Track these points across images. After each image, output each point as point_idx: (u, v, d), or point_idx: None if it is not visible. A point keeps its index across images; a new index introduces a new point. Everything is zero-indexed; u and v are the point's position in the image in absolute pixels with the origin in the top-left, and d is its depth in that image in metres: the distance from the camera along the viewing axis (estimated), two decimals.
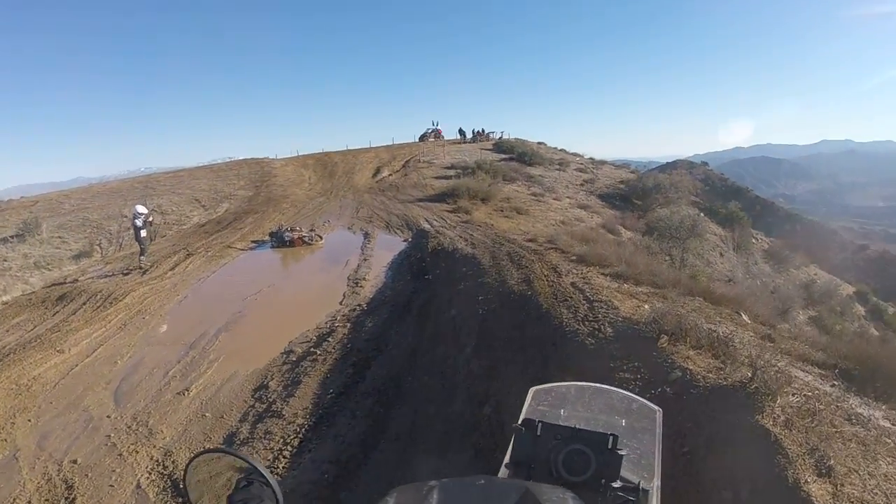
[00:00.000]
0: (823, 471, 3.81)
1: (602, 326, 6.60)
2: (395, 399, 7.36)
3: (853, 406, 4.78)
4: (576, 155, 45.56)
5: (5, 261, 24.69)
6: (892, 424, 4.58)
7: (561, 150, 47.43)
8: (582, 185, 33.18)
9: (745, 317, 8.08)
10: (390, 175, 35.16)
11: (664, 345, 5.73)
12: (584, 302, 7.63)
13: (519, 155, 38.72)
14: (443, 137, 53.31)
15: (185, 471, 1.81)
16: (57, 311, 13.80)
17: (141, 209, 18.01)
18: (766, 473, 3.89)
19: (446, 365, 7.75)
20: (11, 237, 27.51)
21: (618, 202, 30.68)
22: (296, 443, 6.78)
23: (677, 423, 4.42)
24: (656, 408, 1.93)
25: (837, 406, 4.68)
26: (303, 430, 7.06)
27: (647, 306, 7.16)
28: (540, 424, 1.88)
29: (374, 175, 35.94)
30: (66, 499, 6.44)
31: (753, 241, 31.35)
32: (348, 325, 10.51)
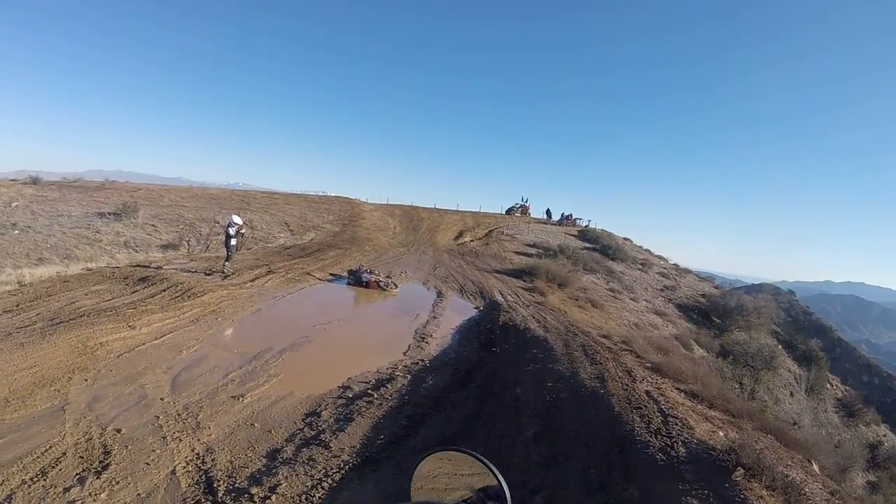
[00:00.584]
0: None
1: (675, 444, 6.36)
2: None
3: None
4: (660, 258, 45.25)
5: (98, 233, 25.91)
6: None
7: (646, 249, 47.31)
8: (661, 290, 32.82)
9: (815, 466, 7.78)
10: (472, 241, 35.73)
11: (738, 478, 5.49)
12: (658, 414, 7.40)
13: (603, 247, 38.58)
14: (529, 214, 53.68)
15: (418, 464, 1.94)
16: (136, 290, 14.55)
17: (237, 219, 18.83)
18: None
19: (503, 443, 7.56)
20: (109, 214, 28.81)
21: (695, 315, 30.05)
22: (337, 477, 6.67)
23: None
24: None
25: None
26: (346, 467, 6.97)
27: (721, 433, 6.93)
28: None
29: (457, 238, 36.56)
30: (101, 462, 6.54)
31: (828, 386, 30.14)
32: (408, 376, 10.49)
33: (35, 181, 37.18)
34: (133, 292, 14.27)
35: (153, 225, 28.81)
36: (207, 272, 18.06)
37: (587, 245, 38.67)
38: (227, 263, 18.40)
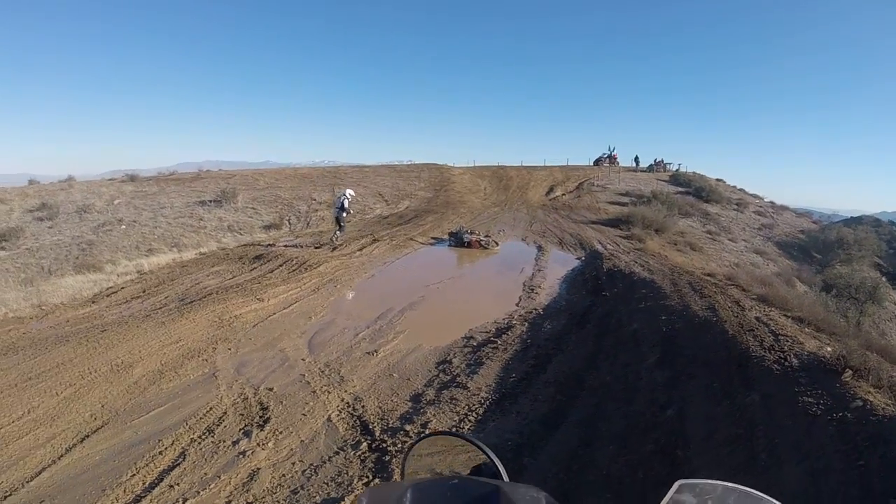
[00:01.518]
0: None
1: (788, 357, 6.93)
2: (576, 392, 7.87)
3: None
4: (755, 196, 44.31)
5: (201, 220, 27.35)
6: None
7: (740, 189, 46.21)
8: (759, 229, 32.38)
9: None
10: (563, 195, 35.76)
11: (847, 378, 6.04)
12: (770, 334, 7.94)
13: (696, 190, 38.26)
14: (618, 163, 53.22)
15: (409, 450, 1.98)
16: (255, 268, 15.82)
17: (350, 192, 20.36)
18: None
19: (627, 371, 8.20)
20: (210, 201, 30.30)
21: (795, 252, 29.75)
22: (480, 412, 7.40)
23: (855, 441, 4.85)
24: None
25: None
26: (486, 402, 7.68)
27: (829, 348, 7.44)
28: None
29: (548, 193, 36.61)
30: (260, 417, 7.31)
31: None
32: (526, 324, 11.13)
33: (132, 178, 39.17)
34: (251, 269, 15.56)
35: (253, 208, 30.09)
36: (316, 246, 19.25)
37: (680, 189, 38.33)
38: (338, 233, 19.78)
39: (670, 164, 51.73)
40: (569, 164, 54.23)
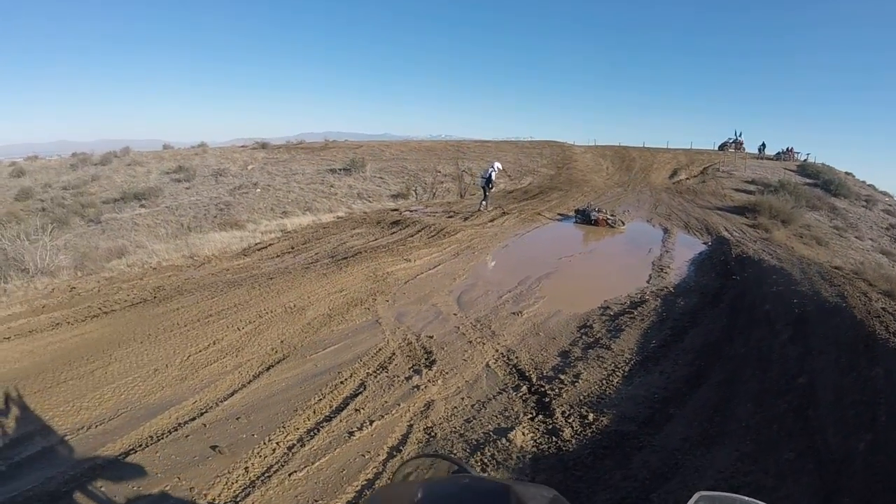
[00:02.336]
0: None
1: None
2: (714, 360, 8.67)
3: None
4: (885, 194, 42.16)
5: (331, 187, 28.87)
6: None
7: (869, 185, 44.79)
8: (887, 228, 31.19)
9: None
10: (687, 179, 35.78)
11: None
12: (894, 321, 8.72)
13: (824, 182, 37.37)
14: (744, 149, 52.32)
15: (398, 469, 2.13)
16: (394, 232, 17.23)
17: (498, 165, 22.22)
18: None
19: (761, 345, 8.97)
20: (339, 170, 31.88)
21: None
22: (625, 370, 8.32)
23: None
24: None
25: None
26: (630, 362, 8.60)
27: None
28: None
29: (671, 176, 36.64)
30: (426, 359, 8.45)
31: None
32: (658, 300, 11.88)
33: (263, 146, 41.28)
34: (391, 233, 16.99)
35: (381, 177, 31.41)
36: (449, 215, 20.43)
37: (807, 181, 37.40)
38: (484, 202, 21.57)
39: (799, 153, 50.61)
40: (693, 147, 53.71)
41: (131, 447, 5.88)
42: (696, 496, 1.70)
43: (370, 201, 26.28)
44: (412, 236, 16.55)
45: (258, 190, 28.37)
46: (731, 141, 53.24)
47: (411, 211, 21.62)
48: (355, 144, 42.68)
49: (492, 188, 22.00)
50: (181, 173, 33.53)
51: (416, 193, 28.04)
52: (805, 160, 48.34)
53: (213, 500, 5.18)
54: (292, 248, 15.29)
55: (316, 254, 14.43)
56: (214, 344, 8.55)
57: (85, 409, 6.53)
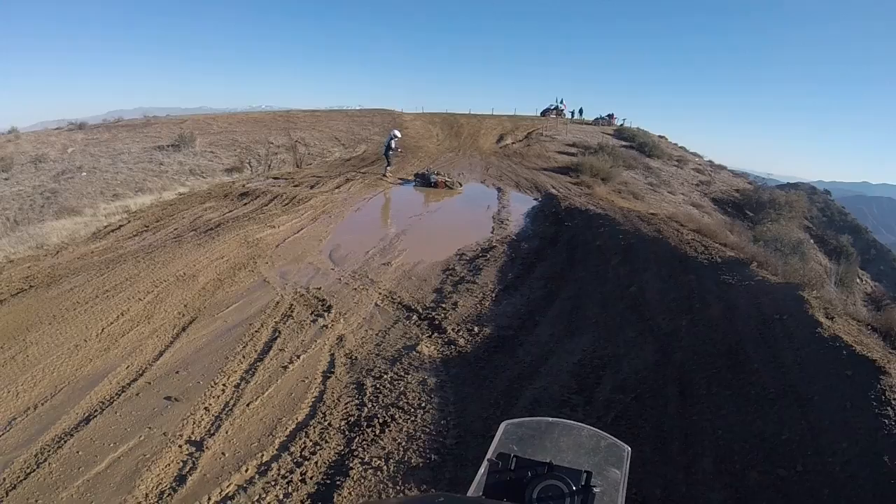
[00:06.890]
0: None
1: (714, 258, 10.45)
2: (561, 283, 11.09)
3: None
4: (695, 155, 47.66)
5: (161, 165, 29.05)
6: None
7: (681, 147, 49.87)
8: (697, 185, 35.51)
9: None
10: (513, 143, 38.52)
11: (753, 266, 9.75)
12: (702, 247, 11.35)
13: (639, 144, 41.13)
14: (564, 115, 55.59)
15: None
16: (246, 203, 17.74)
17: (398, 133, 24.87)
18: None
19: (598, 268, 11.44)
20: (167, 146, 31.90)
21: (730, 209, 32.56)
22: (493, 296, 10.45)
23: (757, 295, 8.30)
24: (625, 446, 1.76)
25: None
26: (495, 291, 10.73)
27: (742, 254, 10.84)
28: (514, 459, 1.67)
29: (498, 141, 39.31)
30: (322, 306, 9.75)
31: (857, 280, 31.71)
32: (505, 245, 13.90)
33: (81, 126, 39.92)
34: (244, 205, 17.56)
35: (212, 152, 31.01)
36: (294, 184, 21.24)
37: (624, 143, 40.91)
38: (388, 168, 23.96)
39: (623, 120, 55.33)
40: (517, 114, 56.48)
41: (88, 414, 6.44)
42: (503, 424, 1.86)
43: (204, 177, 26.39)
44: (266, 205, 17.34)
45: (84, 174, 27.95)
46: (552, 107, 56.82)
47: (255, 183, 22.12)
48: (180, 119, 42.04)
49: (392, 155, 24.44)
50: None
51: (250, 166, 28.36)
52: (621, 124, 52.27)
53: (190, 437, 6.13)
54: (146, 226, 15.31)
55: (175, 229, 14.68)
56: (123, 315, 9.01)
57: (24, 392, 6.80)
